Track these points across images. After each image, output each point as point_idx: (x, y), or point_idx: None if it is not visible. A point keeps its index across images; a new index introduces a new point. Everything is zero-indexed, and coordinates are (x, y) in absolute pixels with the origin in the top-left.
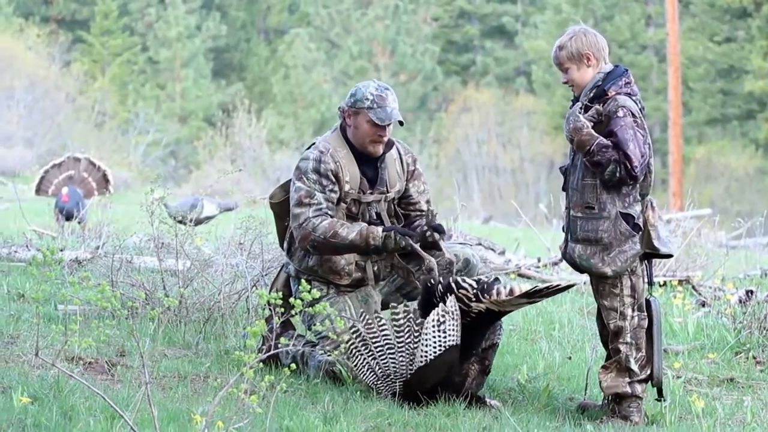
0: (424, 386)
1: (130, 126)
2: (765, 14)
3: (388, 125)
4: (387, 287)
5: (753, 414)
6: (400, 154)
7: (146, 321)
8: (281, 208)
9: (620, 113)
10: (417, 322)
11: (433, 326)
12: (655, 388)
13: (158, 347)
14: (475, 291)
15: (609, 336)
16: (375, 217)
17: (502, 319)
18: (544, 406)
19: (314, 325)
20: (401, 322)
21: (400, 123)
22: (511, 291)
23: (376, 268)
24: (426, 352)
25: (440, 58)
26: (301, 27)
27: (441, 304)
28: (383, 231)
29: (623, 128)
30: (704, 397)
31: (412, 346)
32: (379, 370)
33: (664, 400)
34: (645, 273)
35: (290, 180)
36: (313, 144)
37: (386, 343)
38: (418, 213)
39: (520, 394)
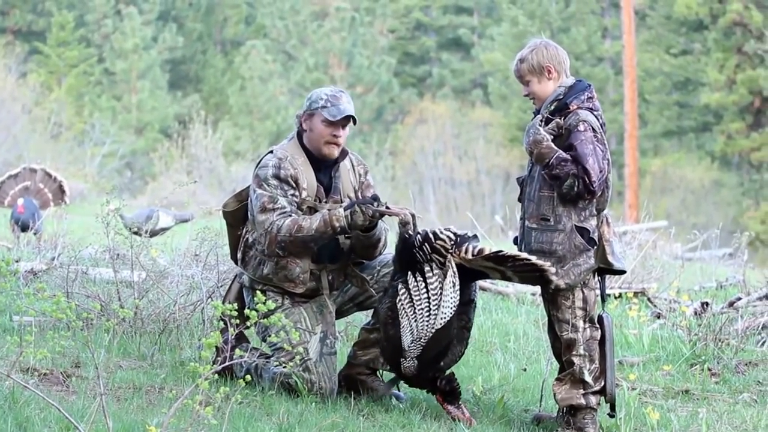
0: (437, 349)
1: (86, 137)
2: (721, 27)
3: (343, 125)
4: (341, 297)
5: (708, 426)
6: (353, 164)
7: (101, 332)
8: (234, 218)
9: (581, 127)
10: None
11: (451, 287)
12: (608, 404)
13: (113, 358)
14: (452, 243)
15: (562, 348)
16: None
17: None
18: (499, 417)
19: (269, 336)
20: (435, 284)
21: (353, 121)
22: (480, 251)
23: (330, 278)
24: (445, 313)
25: (396, 70)
26: (258, 39)
27: (452, 267)
28: (345, 209)
29: (583, 143)
30: (659, 409)
31: (437, 309)
32: (416, 333)
33: (616, 416)
34: (598, 287)
35: (245, 189)
36: (270, 152)
37: (425, 306)
38: None
39: (476, 406)
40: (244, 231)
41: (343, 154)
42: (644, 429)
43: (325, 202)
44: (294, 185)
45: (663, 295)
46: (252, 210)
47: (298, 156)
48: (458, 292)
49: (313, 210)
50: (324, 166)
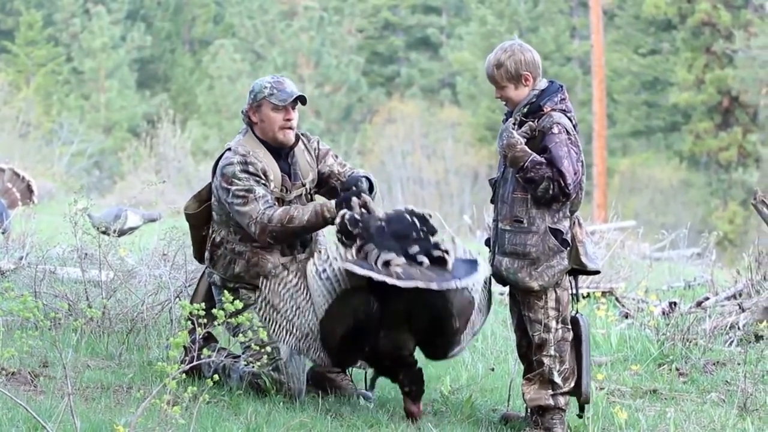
0: (336, 338)
1: (55, 136)
2: (689, 26)
3: (293, 107)
4: (299, 254)
5: (676, 425)
6: (304, 144)
7: (69, 332)
8: (197, 219)
9: (555, 130)
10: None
11: (315, 277)
12: (579, 405)
13: (81, 358)
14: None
15: (533, 348)
16: None
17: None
18: (467, 417)
19: (239, 333)
20: (295, 281)
21: (303, 101)
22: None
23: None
24: (320, 304)
25: (365, 70)
26: (226, 38)
27: (316, 254)
28: (331, 213)
29: (558, 145)
30: (627, 409)
31: (310, 303)
32: (297, 330)
33: (585, 414)
34: (571, 288)
35: (203, 189)
36: (228, 150)
37: (293, 305)
38: (338, 180)
39: (443, 405)
40: (210, 231)
41: (296, 138)
42: (612, 429)
43: (290, 192)
44: (264, 177)
45: (631, 294)
46: (230, 207)
47: (257, 149)
48: (334, 279)
49: (281, 201)
50: (282, 154)
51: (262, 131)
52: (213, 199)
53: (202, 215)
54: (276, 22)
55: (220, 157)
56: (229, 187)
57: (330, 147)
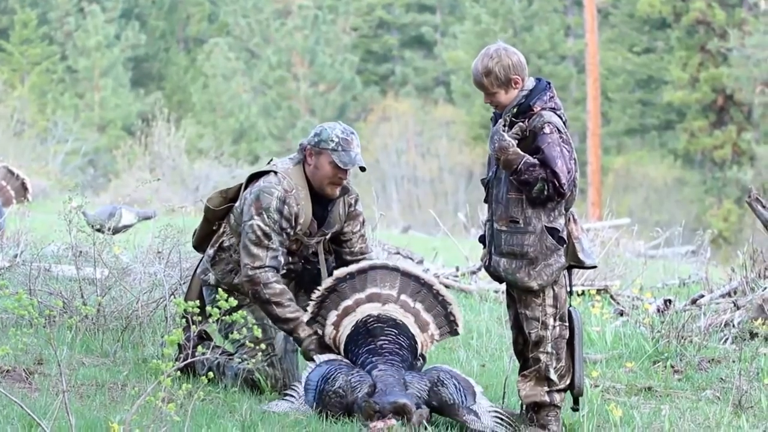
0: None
1: (49, 135)
2: (684, 25)
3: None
4: (304, 296)
5: (670, 423)
6: (344, 196)
7: (64, 329)
8: (214, 215)
9: (546, 129)
10: None
11: None
12: (573, 398)
13: (76, 355)
14: None
15: (529, 345)
16: (312, 256)
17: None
18: None
19: (231, 333)
20: None
21: (362, 169)
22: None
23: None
24: None
25: (359, 68)
26: (221, 36)
27: None
28: (305, 335)
29: (550, 145)
30: (622, 406)
31: None
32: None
33: (580, 410)
34: (565, 283)
35: (231, 189)
36: (274, 173)
37: None
38: (348, 251)
39: None
40: (221, 230)
41: (344, 190)
42: (607, 426)
43: (312, 237)
44: (293, 224)
45: (626, 292)
46: (242, 231)
47: (301, 188)
48: None
49: (299, 243)
50: (322, 200)
51: (311, 174)
52: (238, 204)
53: (220, 212)
54: (270, 20)
55: (263, 173)
56: (255, 216)
57: (363, 212)
